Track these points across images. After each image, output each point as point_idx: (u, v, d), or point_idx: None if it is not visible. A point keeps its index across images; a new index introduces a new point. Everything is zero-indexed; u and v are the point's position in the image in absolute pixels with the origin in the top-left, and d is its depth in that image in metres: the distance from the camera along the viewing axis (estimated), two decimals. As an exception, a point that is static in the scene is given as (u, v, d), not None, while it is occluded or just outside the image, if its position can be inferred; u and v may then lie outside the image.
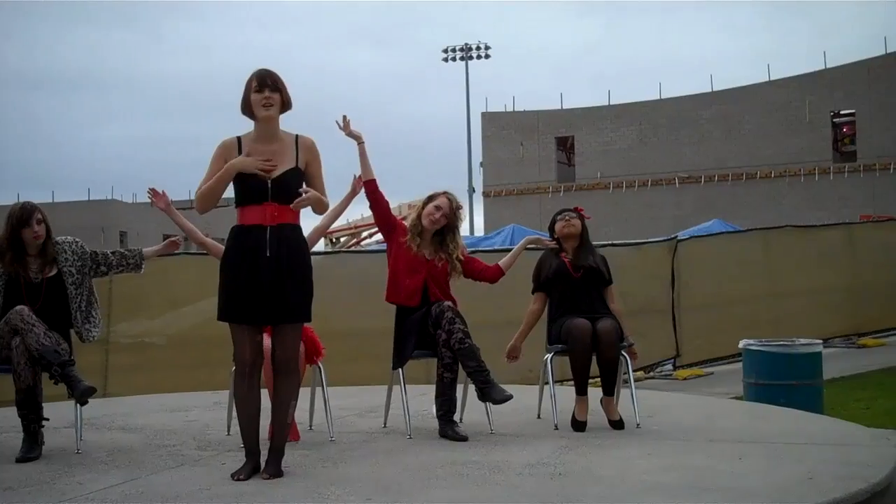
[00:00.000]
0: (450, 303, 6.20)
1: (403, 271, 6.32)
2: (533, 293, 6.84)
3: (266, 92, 5.03)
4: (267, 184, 5.00)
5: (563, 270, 6.62)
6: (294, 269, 5.04)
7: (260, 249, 4.97)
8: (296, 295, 5.05)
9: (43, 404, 5.72)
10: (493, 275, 6.53)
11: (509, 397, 5.95)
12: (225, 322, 5.11)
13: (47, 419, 5.80)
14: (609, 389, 6.44)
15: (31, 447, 5.60)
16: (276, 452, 5.10)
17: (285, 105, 5.15)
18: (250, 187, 5.02)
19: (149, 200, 6.29)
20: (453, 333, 6.03)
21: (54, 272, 5.87)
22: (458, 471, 5.16)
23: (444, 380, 6.16)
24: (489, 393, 5.96)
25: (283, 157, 5.09)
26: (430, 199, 6.44)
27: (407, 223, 6.47)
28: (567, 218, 6.74)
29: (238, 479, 4.95)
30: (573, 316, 6.43)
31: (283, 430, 5.16)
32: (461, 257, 6.42)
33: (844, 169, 44.37)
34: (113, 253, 6.23)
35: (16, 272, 5.77)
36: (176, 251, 6.35)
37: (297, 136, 5.19)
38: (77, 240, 6.05)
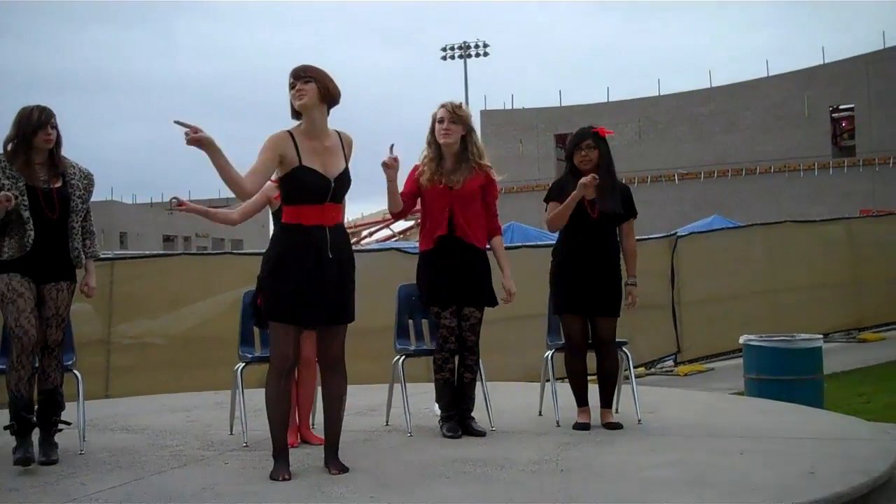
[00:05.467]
0: (474, 327, 6.14)
1: (431, 210, 6.14)
2: (547, 202, 6.40)
3: (298, 84, 4.99)
4: (331, 184, 4.99)
5: (581, 208, 6.20)
6: (350, 270, 5.11)
7: (322, 251, 4.95)
8: (351, 295, 5.12)
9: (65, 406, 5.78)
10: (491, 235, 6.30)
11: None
12: (274, 321, 5.03)
13: (68, 423, 5.81)
14: (606, 402, 6.39)
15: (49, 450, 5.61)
16: (334, 447, 5.14)
17: (328, 96, 5.03)
18: (312, 187, 4.97)
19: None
20: (466, 360, 6.14)
21: (60, 183, 5.64)
22: (461, 468, 5.17)
23: (465, 379, 6.19)
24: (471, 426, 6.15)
25: (338, 157, 5.07)
26: (432, 125, 6.18)
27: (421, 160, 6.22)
28: (584, 152, 6.24)
29: (284, 480, 4.94)
30: (574, 284, 6.22)
31: (338, 424, 5.17)
32: (484, 165, 6.16)
33: (844, 164, 44.36)
34: (88, 230, 5.86)
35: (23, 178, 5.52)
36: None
37: (339, 132, 5.16)
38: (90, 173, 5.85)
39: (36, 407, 5.68)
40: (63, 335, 5.70)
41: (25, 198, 5.46)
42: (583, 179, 6.08)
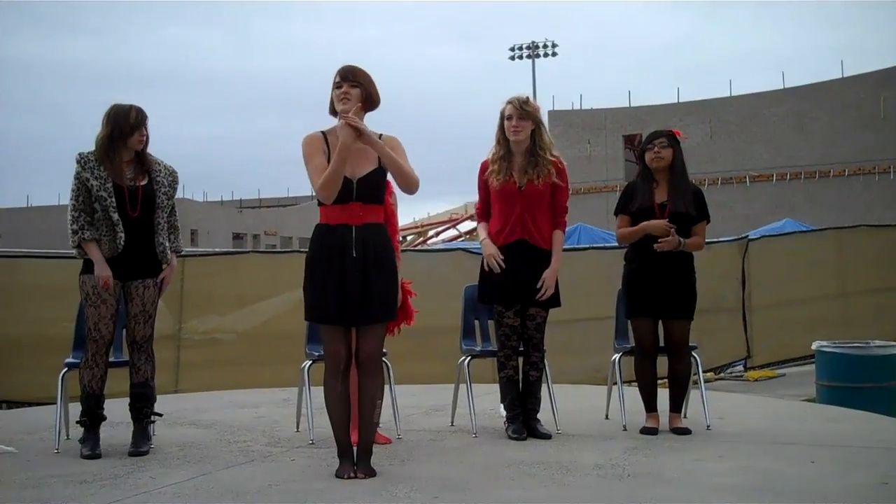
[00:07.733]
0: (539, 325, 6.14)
1: (500, 211, 6.12)
2: (617, 214, 6.39)
3: (345, 87, 5.02)
4: (352, 184, 4.98)
5: (650, 211, 6.21)
6: (380, 269, 5.02)
7: (346, 249, 4.95)
8: (381, 295, 5.02)
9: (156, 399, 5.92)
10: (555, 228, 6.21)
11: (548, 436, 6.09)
12: (312, 322, 5.11)
13: (160, 414, 5.95)
14: (676, 406, 6.33)
15: (141, 441, 5.75)
16: (366, 452, 5.10)
17: (369, 101, 5.09)
18: None
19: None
20: (531, 357, 6.16)
21: (146, 181, 5.76)
22: (526, 471, 5.15)
23: (531, 378, 6.18)
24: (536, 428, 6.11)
25: (367, 159, 5.03)
26: (500, 122, 6.16)
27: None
28: (656, 149, 6.23)
29: (349, 478, 4.96)
30: (647, 282, 6.19)
31: (371, 428, 5.13)
32: (553, 165, 6.09)
33: (920, 167, 43.36)
34: (173, 226, 6.02)
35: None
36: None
37: (380, 135, 5.11)
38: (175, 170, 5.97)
39: (129, 401, 5.84)
40: (151, 330, 5.84)
41: (114, 199, 5.60)
42: (661, 241, 6.12)
